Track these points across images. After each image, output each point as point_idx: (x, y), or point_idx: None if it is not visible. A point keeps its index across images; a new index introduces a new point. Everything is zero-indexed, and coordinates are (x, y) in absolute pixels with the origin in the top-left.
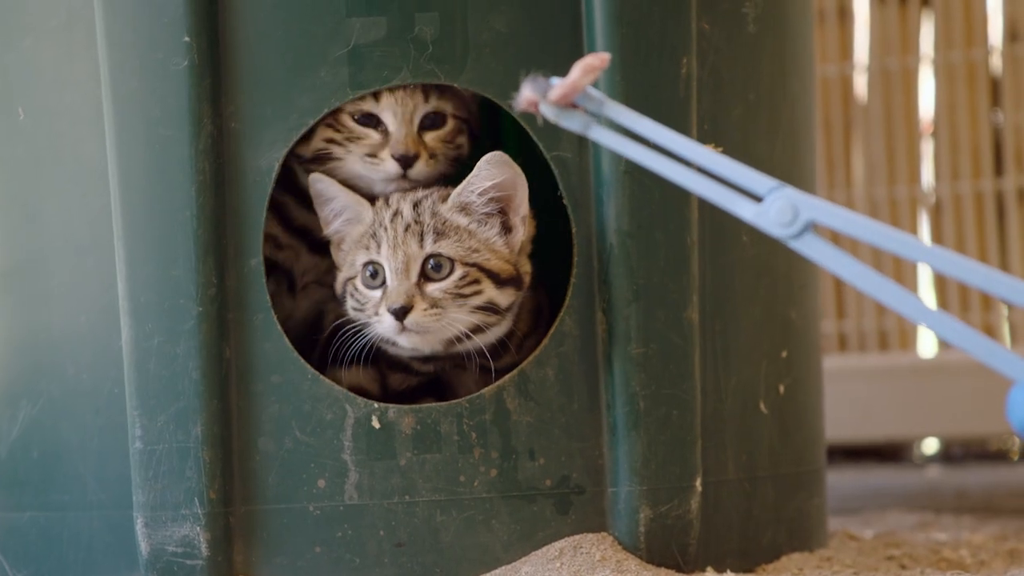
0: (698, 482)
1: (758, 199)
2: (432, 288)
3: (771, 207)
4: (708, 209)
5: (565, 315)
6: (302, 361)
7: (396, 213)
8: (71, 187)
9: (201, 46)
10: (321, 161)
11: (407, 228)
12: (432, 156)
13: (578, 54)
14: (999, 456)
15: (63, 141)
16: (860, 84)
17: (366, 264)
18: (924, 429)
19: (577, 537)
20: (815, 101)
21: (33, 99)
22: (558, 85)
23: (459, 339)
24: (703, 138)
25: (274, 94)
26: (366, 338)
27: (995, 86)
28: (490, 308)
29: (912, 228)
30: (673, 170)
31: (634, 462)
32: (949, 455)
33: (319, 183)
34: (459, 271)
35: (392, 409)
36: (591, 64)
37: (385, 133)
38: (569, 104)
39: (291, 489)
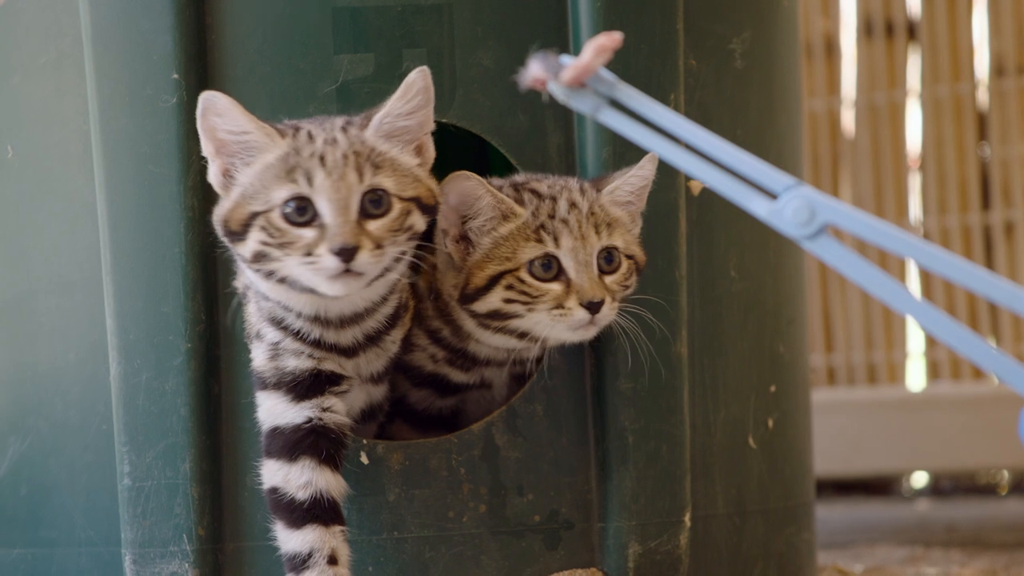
0: (687, 517)
1: (772, 196)
2: (373, 227)
3: (787, 206)
4: (696, 244)
5: (554, 351)
6: None
7: (329, 141)
8: (60, 224)
9: (190, 83)
10: None
11: (344, 157)
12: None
13: None
14: (988, 490)
15: (51, 178)
16: (848, 118)
17: (289, 199)
18: (913, 463)
19: (566, 573)
20: (802, 136)
21: (22, 136)
22: (571, 66)
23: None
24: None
25: None
26: (273, 277)
27: (982, 120)
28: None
29: (899, 262)
30: (684, 159)
31: (623, 497)
32: (938, 489)
33: (212, 99)
34: (396, 207)
35: (381, 445)
36: (603, 44)
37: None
38: (580, 85)
39: None
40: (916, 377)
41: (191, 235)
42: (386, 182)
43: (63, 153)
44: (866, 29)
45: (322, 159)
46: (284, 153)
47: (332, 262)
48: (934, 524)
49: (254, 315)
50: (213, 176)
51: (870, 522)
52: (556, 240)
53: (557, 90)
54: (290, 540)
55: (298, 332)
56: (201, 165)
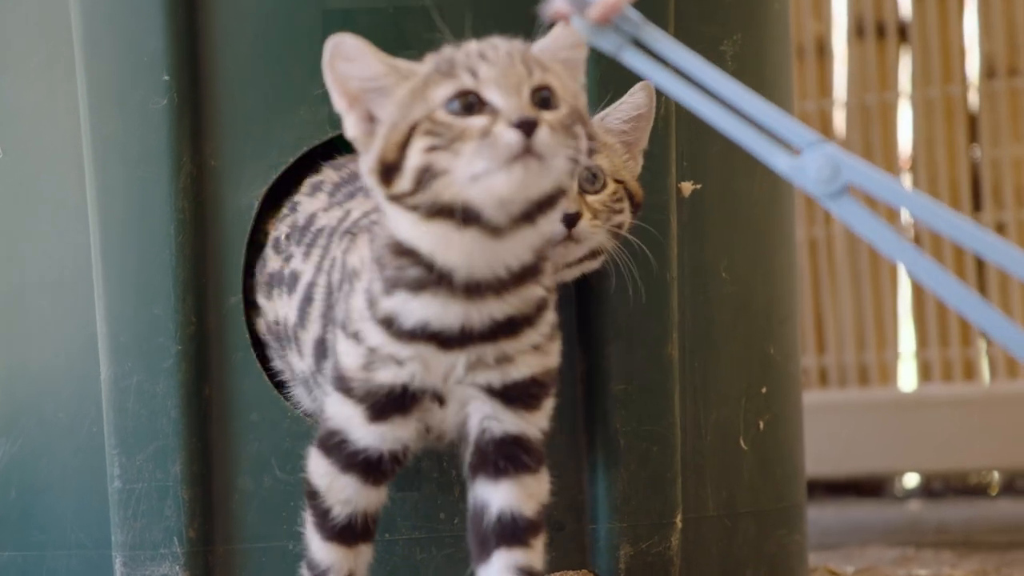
0: (678, 519)
1: (795, 151)
2: (547, 116)
3: (810, 163)
4: (687, 245)
5: None
6: (282, 399)
7: (487, 46)
8: (50, 225)
9: (181, 85)
10: None
11: (508, 54)
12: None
13: None
14: (979, 491)
15: (42, 179)
16: (839, 120)
17: (453, 97)
18: (904, 463)
19: (557, 574)
20: None
21: (12, 137)
22: (598, 3)
23: (543, 206)
24: (682, 175)
25: (254, 132)
26: (434, 205)
27: (972, 122)
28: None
29: (890, 265)
30: (705, 106)
31: (614, 499)
32: (930, 490)
33: (340, 43)
34: (564, 108)
35: None
36: None
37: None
38: (605, 23)
39: (271, 528)
40: (907, 378)
41: (182, 237)
42: (553, 81)
43: (54, 154)
44: (857, 31)
45: (482, 55)
46: (433, 66)
47: (512, 135)
48: (925, 525)
49: (359, 311)
50: (352, 128)
51: (861, 523)
52: (473, 74)
53: (580, 26)
54: (313, 544)
55: (403, 330)
56: (192, 167)
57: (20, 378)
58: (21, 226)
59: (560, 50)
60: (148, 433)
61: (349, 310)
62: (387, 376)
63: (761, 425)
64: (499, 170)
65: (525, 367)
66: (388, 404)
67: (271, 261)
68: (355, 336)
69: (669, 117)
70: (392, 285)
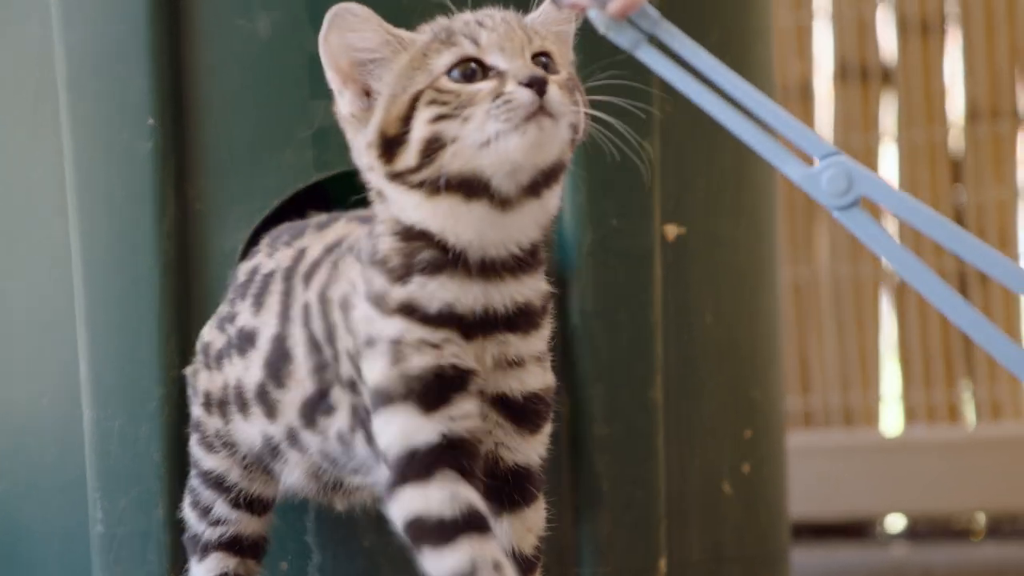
0: (663, 563)
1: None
2: (553, 77)
3: (824, 173)
4: (671, 289)
5: None
6: None
7: (484, 15)
8: (35, 266)
9: (165, 128)
10: None
11: (506, 21)
12: None
13: None
14: (964, 534)
15: (27, 220)
16: None
17: (455, 64)
18: (889, 506)
19: None
20: (776, 180)
21: None
22: None
23: (549, 176)
24: (666, 217)
25: (239, 175)
26: (443, 177)
27: (956, 164)
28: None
29: (874, 307)
30: (719, 108)
31: (599, 543)
32: (915, 533)
33: (345, 12)
34: (564, 72)
35: None
36: None
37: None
38: (623, 18)
39: None
40: (892, 420)
41: (166, 280)
42: (551, 47)
43: (39, 196)
44: (841, 73)
45: (480, 23)
46: (431, 35)
47: (526, 93)
48: (910, 569)
49: (364, 319)
50: (348, 105)
51: (846, 566)
52: (474, 40)
53: (598, 20)
54: (444, 560)
55: (428, 315)
56: (176, 210)
57: (4, 420)
58: (6, 267)
59: (551, 23)
60: (131, 477)
61: (354, 330)
62: (425, 360)
63: (746, 469)
64: (513, 131)
65: (533, 378)
66: (440, 387)
67: (206, 334)
68: (369, 343)
69: (654, 161)
70: (405, 272)
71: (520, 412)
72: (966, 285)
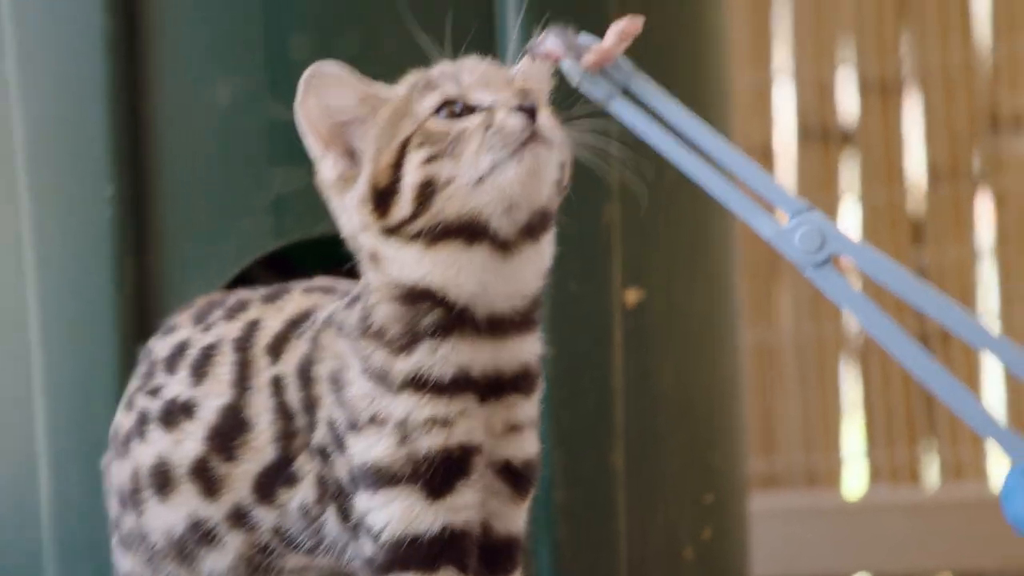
0: None
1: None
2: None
3: (796, 230)
4: (632, 354)
5: None
6: None
7: (463, 62)
8: None
9: (124, 195)
10: None
11: (484, 63)
12: None
13: None
14: None
15: None
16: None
17: (441, 105)
18: (854, 567)
19: None
20: (735, 243)
21: None
22: (593, 49)
23: (544, 217)
24: (626, 282)
25: (197, 243)
26: (439, 225)
27: (916, 225)
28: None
29: (837, 367)
30: (691, 163)
31: None
32: None
33: (321, 72)
34: (545, 111)
35: None
36: (626, 30)
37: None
38: (597, 70)
39: None
40: (856, 481)
41: (125, 351)
42: (533, 87)
43: None
44: (802, 134)
45: (460, 67)
46: (411, 86)
47: (517, 118)
48: None
49: (365, 396)
50: (331, 169)
51: None
52: (456, 82)
53: (571, 70)
54: None
55: (443, 384)
56: (136, 277)
57: None
58: None
59: (529, 79)
60: (89, 550)
61: (351, 407)
62: (436, 440)
63: (707, 534)
64: (509, 159)
65: (530, 444)
66: (449, 470)
67: (119, 417)
68: (373, 421)
69: (612, 225)
70: (409, 341)
71: (518, 479)
72: (928, 345)
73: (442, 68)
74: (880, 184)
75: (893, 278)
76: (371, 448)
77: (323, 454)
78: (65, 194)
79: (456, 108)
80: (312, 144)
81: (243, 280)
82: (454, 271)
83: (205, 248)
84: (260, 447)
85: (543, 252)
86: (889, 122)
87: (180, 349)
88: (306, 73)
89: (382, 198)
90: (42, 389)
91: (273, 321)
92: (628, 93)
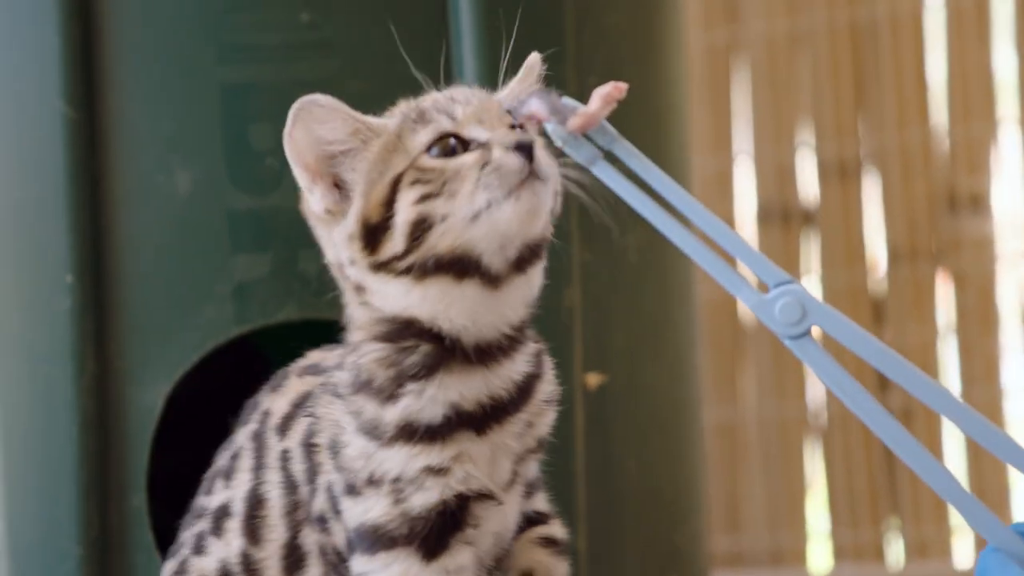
0: None
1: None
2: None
3: (777, 301)
4: (593, 437)
5: None
6: None
7: (453, 92)
8: None
9: (84, 285)
10: None
11: (475, 95)
12: None
13: None
14: None
15: None
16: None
17: (434, 141)
18: None
19: None
20: (699, 324)
21: None
22: (579, 113)
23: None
24: (587, 364)
25: (159, 331)
26: (431, 261)
27: (877, 305)
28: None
29: (800, 446)
30: (673, 229)
31: None
32: None
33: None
34: (541, 146)
35: None
36: (610, 95)
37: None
38: (582, 134)
39: None
40: (820, 559)
41: (84, 438)
42: (524, 113)
43: None
44: (763, 215)
45: (452, 99)
46: (403, 117)
47: (515, 159)
48: None
49: (360, 455)
50: (319, 202)
51: None
52: (450, 116)
53: (555, 133)
54: None
55: (433, 427)
56: (96, 367)
57: None
58: None
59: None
60: None
61: (348, 469)
62: (431, 496)
63: None
64: (506, 198)
65: (543, 425)
66: (444, 527)
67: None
68: (371, 482)
69: (574, 308)
70: (396, 385)
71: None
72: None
73: (434, 99)
74: (840, 264)
75: (873, 352)
76: (369, 511)
77: (321, 522)
78: (25, 282)
79: (450, 144)
80: (299, 176)
81: (205, 366)
82: (444, 305)
83: (166, 336)
84: (275, 524)
85: (532, 282)
86: (848, 203)
87: (210, 474)
88: (296, 104)
89: (373, 234)
90: (1, 477)
91: (279, 405)
92: (611, 157)
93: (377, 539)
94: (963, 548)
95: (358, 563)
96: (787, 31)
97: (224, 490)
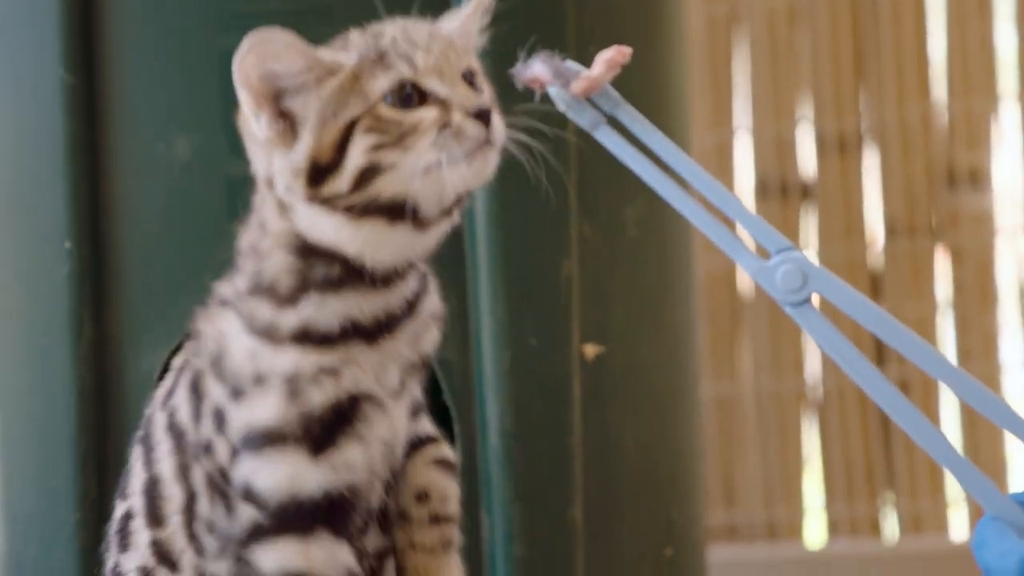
0: None
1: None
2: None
3: (778, 268)
4: (591, 409)
5: None
6: None
7: (409, 26)
8: None
9: (82, 252)
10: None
11: (433, 37)
12: None
13: (459, 263)
14: None
15: None
16: (744, 277)
17: (392, 89)
18: None
19: None
20: (697, 298)
21: None
22: (582, 77)
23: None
24: (585, 336)
25: (157, 298)
26: (374, 203)
27: (875, 279)
28: None
29: (797, 421)
30: (676, 196)
31: None
32: None
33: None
34: (487, 90)
35: None
36: (614, 59)
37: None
38: (584, 98)
39: None
40: (815, 534)
41: (82, 406)
42: (475, 64)
43: None
44: (761, 189)
45: (410, 40)
46: (360, 57)
47: (476, 127)
48: None
49: (249, 355)
50: (264, 129)
51: None
52: (409, 62)
53: (559, 97)
54: None
55: (329, 336)
56: (93, 334)
57: None
58: None
59: (465, 32)
60: None
61: (233, 374)
62: (327, 394)
63: None
64: (460, 161)
65: (428, 341)
66: (335, 425)
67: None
68: (257, 382)
69: (571, 282)
70: (298, 291)
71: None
72: (908, 389)
73: (393, 38)
74: (839, 239)
75: (874, 319)
76: (255, 410)
77: (207, 449)
78: (23, 249)
79: (407, 92)
80: (243, 99)
81: None
82: (373, 245)
83: (164, 303)
84: (170, 494)
85: (453, 220)
86: (847, 177)
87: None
88: (250, 34)
89: (320, 173)
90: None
91: (161, 391)
92: (614, 121)
93: (266, 439)
94: (959, 522)
95: (243, 466)
96: (787, 4)
97: (122, 502)
